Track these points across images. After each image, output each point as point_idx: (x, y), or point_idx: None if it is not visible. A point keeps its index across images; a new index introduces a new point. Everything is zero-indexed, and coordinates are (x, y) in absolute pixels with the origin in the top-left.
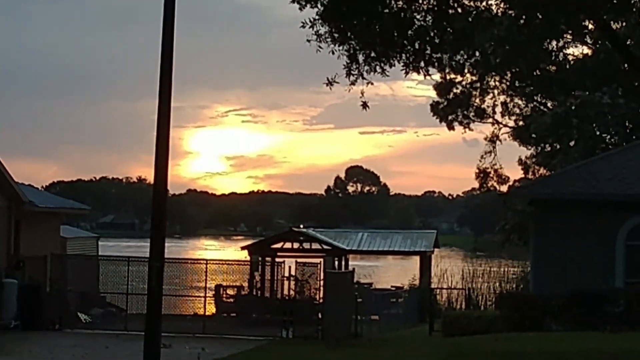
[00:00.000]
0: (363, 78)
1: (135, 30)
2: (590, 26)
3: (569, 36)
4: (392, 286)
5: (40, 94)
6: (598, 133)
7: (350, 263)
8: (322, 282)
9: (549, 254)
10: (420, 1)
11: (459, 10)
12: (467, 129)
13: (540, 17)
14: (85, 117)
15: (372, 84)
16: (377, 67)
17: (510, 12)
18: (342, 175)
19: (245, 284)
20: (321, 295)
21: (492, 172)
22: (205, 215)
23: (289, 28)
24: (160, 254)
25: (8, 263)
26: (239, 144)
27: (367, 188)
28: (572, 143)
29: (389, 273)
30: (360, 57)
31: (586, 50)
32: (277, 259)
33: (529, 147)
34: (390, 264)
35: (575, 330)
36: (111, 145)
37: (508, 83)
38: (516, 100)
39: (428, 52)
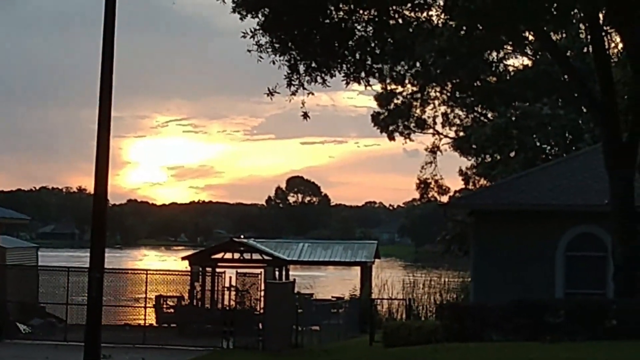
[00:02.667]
0: (304, 88)
1: (75, 36)
2: (531, 37)
3: (509, 47)
4: (332, 297)
5: None
6: (538, 144)
7: (291, 273)
8: (262, 293)
9: (490, 265)
10: (361, 12)
11: (400, 20)
12: (407, 140)
13: (480, 28)
14: (23, 126)
15: (312, 94)
16: (318, 78)
17: (451, 23)
18: (283, 186)
19: (186, 295)
20: (262, 306)
21: (433, 183)
22: (146, 226)
23: (230, 38)
24: (101, 264)
25: None
26: (179, 154)
27: (308, 198)
28: (512, 154)
29: (330, 283)
30: (301, 68)
31: (526, 62)
32: (218, 270)
33: (470, 158)
34: (331, 274)
35: (516, 340)
36: (51, 154)
37: (449, 94)
38: (457, 111)
39: (369, 62)
